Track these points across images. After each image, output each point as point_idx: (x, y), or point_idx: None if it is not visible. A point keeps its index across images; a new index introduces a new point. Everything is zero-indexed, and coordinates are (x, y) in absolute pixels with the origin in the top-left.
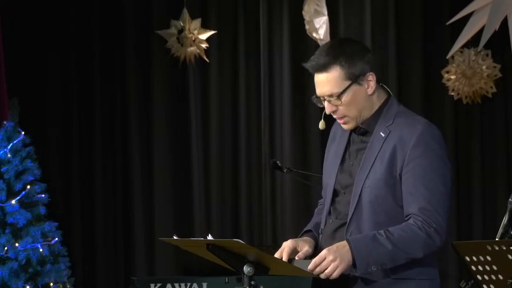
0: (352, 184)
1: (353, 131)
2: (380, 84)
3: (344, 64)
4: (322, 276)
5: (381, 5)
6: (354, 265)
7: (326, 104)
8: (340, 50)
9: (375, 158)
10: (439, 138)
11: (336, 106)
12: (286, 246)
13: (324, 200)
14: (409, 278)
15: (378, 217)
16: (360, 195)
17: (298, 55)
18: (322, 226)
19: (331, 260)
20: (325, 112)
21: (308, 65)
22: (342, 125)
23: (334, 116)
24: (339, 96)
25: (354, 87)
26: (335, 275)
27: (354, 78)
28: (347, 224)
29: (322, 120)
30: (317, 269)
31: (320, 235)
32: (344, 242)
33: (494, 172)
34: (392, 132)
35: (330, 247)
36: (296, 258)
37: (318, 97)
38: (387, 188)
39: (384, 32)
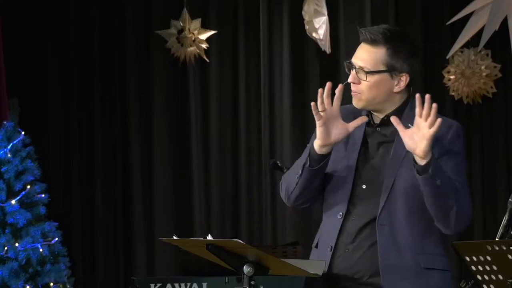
0: (377, 178)
1: (370, 123)
2: (411, 89)
3: (390, 51)
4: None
5: (381, 5)
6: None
7: (352, 73)
8: (396, 39)
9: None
10: (465, 140)
11: (359, 80)
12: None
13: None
14: (435, 268)
15: (412, 207)
16: (392, 185)
17: (298, 55)
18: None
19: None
20: (346, 82)
21: (362, 31)
22: (354, 99)
23: (353, 88)
24: (367, 73)
25: (385, 76)
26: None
27: (390, 69)
28: (377, 216)
29: (342, 85)
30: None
31: (336, 234)
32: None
33: (494, 172)
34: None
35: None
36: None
37: (350, 64)
38: None
39: None
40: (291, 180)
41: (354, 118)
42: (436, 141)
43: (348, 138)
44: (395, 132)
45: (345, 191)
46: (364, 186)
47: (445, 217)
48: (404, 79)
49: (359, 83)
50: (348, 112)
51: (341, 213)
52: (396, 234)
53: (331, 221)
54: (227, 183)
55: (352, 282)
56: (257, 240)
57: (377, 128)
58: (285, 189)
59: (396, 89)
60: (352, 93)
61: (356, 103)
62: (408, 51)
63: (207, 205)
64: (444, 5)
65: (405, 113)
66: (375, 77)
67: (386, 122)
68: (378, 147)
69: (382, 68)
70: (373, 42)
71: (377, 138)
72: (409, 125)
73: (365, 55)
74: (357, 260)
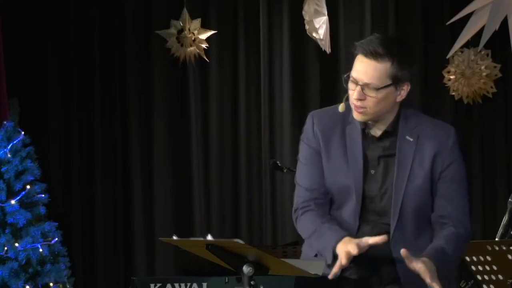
0: (379, 192)
1: (366, 135)
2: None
3: (395, 65)
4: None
5: (381, 5)
6: None
7: (357, 89)
8: (400, 50)
9: (412, 164)
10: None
11: (366, 96)
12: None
13: (320, 202)
14: (445, 275)
15: (420, 223)
16: (402, 203)
17: (298, 55)
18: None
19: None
20: (346, 96)
21: (361, 46)
22: (357, 113)
23: (357, 104)
24: (375, 89)
25: (391, 89)
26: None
27: (396, 81)
28: (391, 234)
29: (343, 103)
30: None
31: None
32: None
33: (494, 172)
34: (422, 138)
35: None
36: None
37: (351, 79)
38: (429, 195)
39: (384, 32)
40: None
41: (343, 125)
42: (437, 154)
43: (346, 151)
44: (395, 144)
45: (352, 206)
46: (371, 201)
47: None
48: (406, 88)
49: (365, 99)
50: (336, 120)
51: (352, 223)
52: (420, 245)
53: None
54: (227, 183)
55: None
56: (257, 240)
57: (375, 142)
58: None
59: (399, 98)
60: (355, 109)
61: (360, 117)
62: (411, 60)
63: (207, 205)
64: (444, 5)
65: (400, 123)
66: (383, 92)
67: (385, 135)
68: (378, 160)
69: (389, 82)
70: (375, 56)
71: (377, 151)
72: (408, 137)
73: (370, 71)
74: (374, 270)
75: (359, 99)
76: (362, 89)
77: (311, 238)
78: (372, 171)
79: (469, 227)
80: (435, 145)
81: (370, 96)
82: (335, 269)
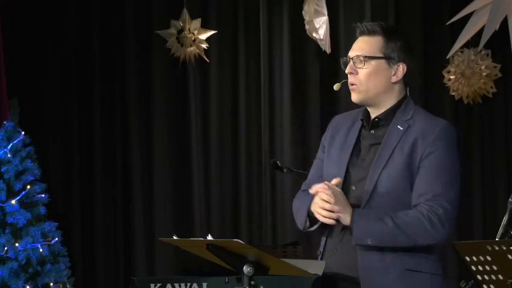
0: (365, 178)
1: (364, 126)
2: (407, 86)
3: (386, 40)
4: (318, 210)
5: (381, 5)
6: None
7: (349, 64)
8: (392, 30)
9: (393, 149)
10: (456, 139)
11: (357, 70)
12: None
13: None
14: (420, 271)
15: (395, 207)
16: (375, 185)
17: (298, 55)
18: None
19: (336, 207)
20: (345, 81)
21: (359, 25)
22: (352, 92)
23: (350, 80)
24: (365, 58)
25: (382, 63)
26: (325, 214)
27: (388, 56)
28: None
29: (339, 83)
30: (320, 203)
31: (325, 235)
32: (350, 209)
33: (494, 172)
34: (412, 127)
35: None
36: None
37: (346, 59)
38: (406, 180)
39: None
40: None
41: (353, 123)
42: (418, 140)
43: (344, 144)
44: (390, 132)
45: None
46: (353, 188)
47: (418, 244)
48: (401, 69)
49: (357, 73)
50: (349, 118)
51: None
52: None
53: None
54: (227, 183)
55: (345, 282)
56: (257, 240)
57: (371, 131)
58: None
59: (394, 79)
60: (350, 88)
61: (354, 96)
62: (403, 42)
63: (207, 205)
64: (444, 5)
65: (397, 114)
66: (372, 64)
67: (378, 124)
68: (369, 148)
69: (380, 55)
70: (370, 32)
71: (369, 140)
72: (399, 127)
73: (361, 43)
74: (346, 259)
75: (350, 73)
76: (354, 62)
77: (295, 208)
78: (363, 159)
79: (450, 218)
80: (418, 132)
81: (360, 68)
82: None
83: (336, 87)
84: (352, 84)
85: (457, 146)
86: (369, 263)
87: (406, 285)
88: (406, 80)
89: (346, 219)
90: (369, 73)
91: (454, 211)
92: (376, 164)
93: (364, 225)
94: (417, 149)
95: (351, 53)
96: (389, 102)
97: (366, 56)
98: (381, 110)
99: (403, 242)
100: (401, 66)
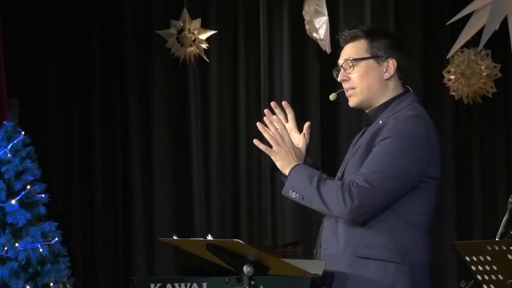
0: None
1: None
2: (402, 81)
3: (370, 41)
4: (261, 147)
5: (381, 5)
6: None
7: (340, 72)
8: (374, 30)
9: (366, 142)
10: (416, 137)
11: (349, 75)
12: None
13: None
14: (372, 258)
15: None
16: (342, 176)
17: (298, 55)
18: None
19: (280, 153)
20: (342, 90)
21: (341, 34)
22: (349, 99)
23: (345, 87)
24: (354, 61)
25: (372, 62)
26: (267, 152)
27: (375, 55)
28: None
29: (335, 93)
30: (267, 136)
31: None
32: (295, 163)
33: (494, 172)
34: (388, 123)
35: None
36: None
37: (338, 68)
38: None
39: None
40: None
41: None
42: (379, 130)
43: (352, 145)
44: (372, 127)
45: None
46: None
47: (327, 211)
48: (392, 64)
49: (349, 78)
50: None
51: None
52: (338, 224)
53: None
54: (227, 183)
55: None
56: (257, 240)
57: (368, 128)
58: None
59: (386, 75)
60: (346, 95)
61: (352, 101)
62: (388, 39)
63: (207, 205)
64: (444, 5)
65: (387, 110)
66: (362, 65)
67: (370, 121)
68: (359, 146)
69: (367, 55)
70: (352, 38)
71: (362, 138)
72: (380, 121)
73: (348, 51)
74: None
75: (344, 80)
76: (344, 69)
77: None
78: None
79: (363, 196)
80: (382, 123)
81: (351, 73)
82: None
83: (332, 97)
84: (348, 90)
85: (414, 144)
86: (329, 252)
87: (356, 272)
88: (401, 76)
89: (285, 169)
90: (360, 75)
91: (373, 192)
92: (347, 157)
93: (294, 178)
94: (376, 138)
95: (340, 61)
96: (383, 99)
97: (354, 59)
98: (375, 108)
99: (317, 205)
100: (391, 62)
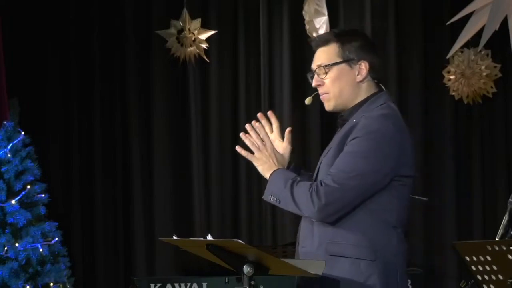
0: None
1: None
2: (376, 81)
3: (341, 45)
4: (243, 153)
5: (381, 5)
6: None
7: (314, 77)
8: (345, 33)
9: (339, 140)
10: (383, 136)
11: (322, 80)
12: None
13: None
14: (344, 256)
15: None
16: (316, 176)
17: (298, 55)
18: None
19: (261, 159)
20: (317, 93)
21: (312, 40)
22: (324, 103)
23: (320, 91)
24: (326, 67)
25: (344, 67)
26: (248, 157)
27: (346, 59)
28: None
29: (311, 97)
30: (248, 142)
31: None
32: (276, 167)
33: (494, 172)
34: (361, 121)
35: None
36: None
37: (312, 72)
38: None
39: (384, 32)
40: None
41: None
42: (350, 130)
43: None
44: (346, 125)
45: None
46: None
47: (298, 212)
48: (363, 67)
49: (323, 83)
50: None
51: None
52: (314, 223)
53: None
54: (227, 183)
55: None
56: (257, 240)
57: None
58: None
59: (359, 78)
60: (321, 99)
61: (328, 106)
62: (359, 42)
63: (207, 205)
64: (444, 5)
65: (361, 109)
66: (334, 70)
67: (344, 121)
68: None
69: (339, 59)
70: (324, 43)
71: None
72: (354, 120)
73: (320, 55)
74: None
75: (318, 85)
76: (318, 74)
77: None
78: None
79: (330, 195)
80: (355, 122)
81: (324, 78)
82: None
83: (307, 101)
84: (322, 95)
85: (379, 142)
86: (305, 250)
87: (330, 269)
88: (374, 76)
89: (266, 173)
90: (333, 80)
91: (341, 191)
92: (321, 157)
93: (273, 183)
94: (348, 138)
95: (313, 66)
96: (356, 100)
97: (326, 65)
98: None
99: (291, 207)
100: (363, 64)
